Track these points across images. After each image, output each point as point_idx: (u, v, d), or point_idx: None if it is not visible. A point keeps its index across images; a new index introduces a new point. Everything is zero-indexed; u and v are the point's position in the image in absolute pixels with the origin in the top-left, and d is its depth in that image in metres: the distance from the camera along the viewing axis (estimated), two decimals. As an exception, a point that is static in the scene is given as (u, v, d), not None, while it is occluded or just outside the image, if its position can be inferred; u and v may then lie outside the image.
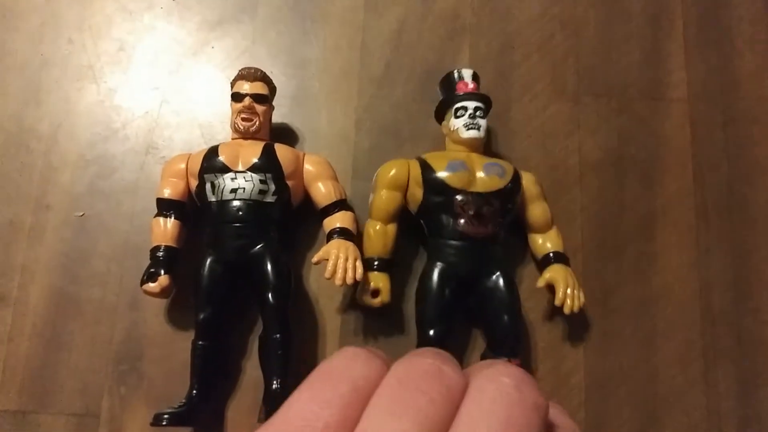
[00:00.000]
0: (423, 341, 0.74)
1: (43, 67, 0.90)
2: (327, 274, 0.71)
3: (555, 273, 0.77)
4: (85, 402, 0.78)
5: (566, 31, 0.92)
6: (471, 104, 0.79)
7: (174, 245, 0.77)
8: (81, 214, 0.84)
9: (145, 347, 0.80)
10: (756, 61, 0.91)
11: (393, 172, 0.78)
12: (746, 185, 0.87)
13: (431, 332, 0.74)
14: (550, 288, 0.77)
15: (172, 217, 0.78)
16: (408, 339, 0.80)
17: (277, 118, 0.86)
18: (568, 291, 0.75)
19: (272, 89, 0.82)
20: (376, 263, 0.77)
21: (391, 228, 0.79)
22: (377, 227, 0.78)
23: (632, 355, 0.80)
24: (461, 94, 0.80)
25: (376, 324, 0.81)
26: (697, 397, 0.79)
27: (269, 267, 0.75)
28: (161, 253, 0.76)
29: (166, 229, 0.77)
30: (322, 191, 0.79)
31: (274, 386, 0.73)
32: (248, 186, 0.76)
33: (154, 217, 0.78)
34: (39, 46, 0.91)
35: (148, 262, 0.76)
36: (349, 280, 0.71)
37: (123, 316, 0.81)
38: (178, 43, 0.91)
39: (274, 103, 0.84)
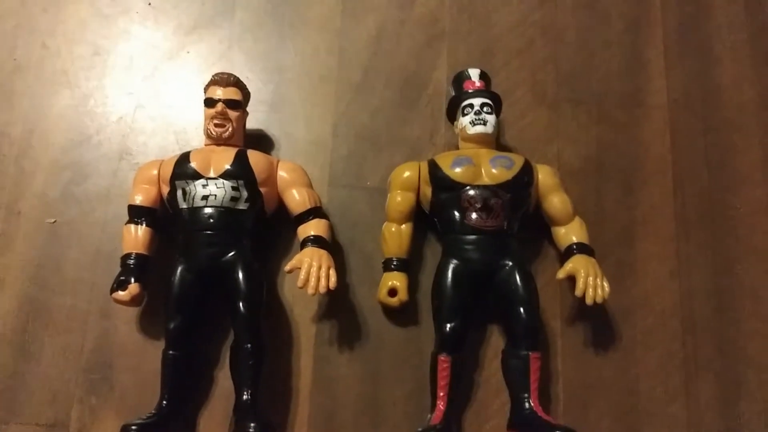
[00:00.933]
0: (440, 336, 0.74)
1: (17, 71, 0.89)
2: (299, 283, 0.70)
3: (576, 263, 0.75)
4: (54, 412, 0.77)
5: (546, 37, 0.92)
6: (477, 101, 0.80)
7: (145, 252, 0.76)
8: (53, 220, 0.83)
9: (116, 356, 0.79)
10: (737, 68, 0.91)
11: (405, 174, 0.80)
12: (727, 193, 0.86)
13: (447, 327, 0.74)
14: (572, 280, 0.75)
15: (144, 224, 0.77)
16: (421, 331, 0.79)
17: (253, 124, 0.85)
18: (590, 280, 0.73)
19: (246, 95, 0.81)
20: (393, 263, 0.78)
21: (407, 228, 0.79)
22: (392, 228, 0.79)
23: (612, 366, 0.79)
24: (468, 91, 0.81)
25: (351, 332, 0.79)
26: (678, 410, 0.78)
27: (241, 275, 0.73)
28: (132, 261, 0.75)
29: (137, 236, 0.76)
30: (297, 198, 0.78)
31: (244, 397, 0.71)
32: (220, 193, 0.74)
33: (126, 224, 0.77)
34: (12, 51, 0.90)
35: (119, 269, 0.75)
36: (322, 289, 0.70)
37: (94, 324, 0.79)
38: (154, 47, 0.90)
39: (249, 108, 0.83)
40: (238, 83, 0.80)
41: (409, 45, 0.91)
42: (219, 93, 0.78)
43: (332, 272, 0.71)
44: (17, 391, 0.77)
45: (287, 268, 0.71)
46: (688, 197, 0.85)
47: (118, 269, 0.75)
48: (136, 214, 0.77)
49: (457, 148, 0.82)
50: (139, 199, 0.77)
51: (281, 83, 0.89)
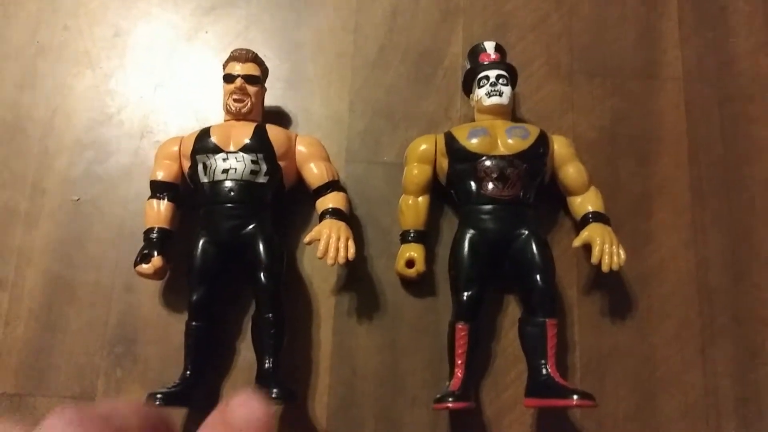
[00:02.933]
0: (457, 305, 0.75)
1: (40, 53, 0.91)
2: (319, 254, 0.71)
3: (592, 231, 0.76)
4: (80, 384, 0.78)
5: (561, 11, 0.92)
6: (493, 72, 0.80)
7: (167, 227, 0.78)
8: (77, 198, 0.85)
9: (140, 330, 0.80)
10: (751, 39, 0.91)
11: (421, 147, 0.80)
12: (742, 163, 0.86)
13: (465, 296, 0.75)
14: (588, 248, 0.76)
15: (166, 199, 0.78)
16: (439, 302, 0.80)
17: (270, 101, 0.86)
18: (606, 248, 0.74)
19: (264, 71, 0.82)
20: (411, 235, 0.79)
21: (423, 200, 0.80)
22: (410, 201, 0.80)
23: (628, 334, 0.80)
24: (483, 63, 0.81)
25: (370, 303, 0.80)
26: (694, 376, 0.79)
27: (261, 247, 0.75)
28: (154, 235, 0.77)
29: (159, 211, 0.78)
30: (315, 172, 0.79)
31: (266, 365, 0.73)
32: (239, 166, 0.76)
33: (148, 199, 0.78)
34: (35, 33, 0.92)
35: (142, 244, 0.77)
36: (341, 260, 0.71)
37: (118, 299, 0.81)
38: (173, 28, 0.92)
39: (267, 86, 0.84)
40: (256, 59, 0.81)
41: (425, 21, 0.92)
42: (238, 69, 0.79)
43: (351, 243, 0.72)
44: (44, 365, 0.79)
45: (306, 239, 0.73)
46: (704, 167, 0.86)
47: (142, 244, 0.77)
48: (158, 189, 0.78)
49: (473, 120, 0.83)
50: (161, 175, 0.78)
51: (298, 61, 0.90)
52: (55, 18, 0.92)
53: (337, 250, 0.71)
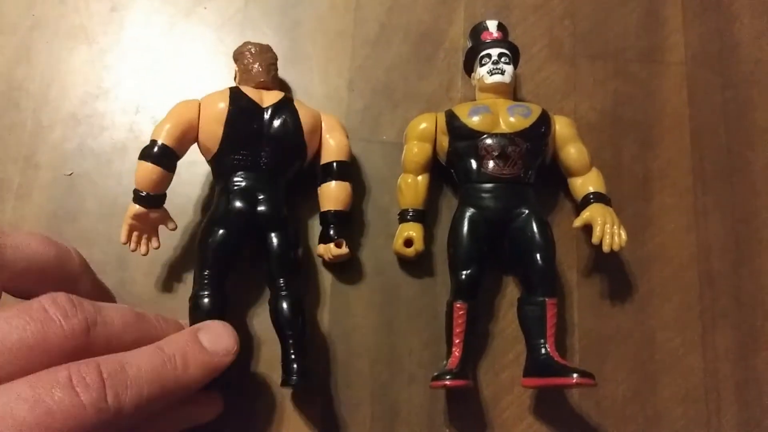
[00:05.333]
0: (456, 284, 0.74)
1: (35, 27, 0.89)
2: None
3: (593, 212, 0.75)
4: (70, 360, 0.77)
5: (563, -8, 0.91)
6: (495, 51, 0.79)
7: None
8: (70, 173, 0.83)
9: (134, 306, 0.78)
10: (755, 24, 0.90)
11: (421, 125, 0.79)
12: (745, 148, 0.85)
13: (463, 275, 0.73)
14: (589, 230, 0.75)
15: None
16: (437, 283, 0.80)
17: (269, 77, 0.85)
18: (607, 228, 0.73)
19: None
20: (409, 214, 0.78)
21: (423, 179, 0.79)
22: (409, 180, 0.79)
23: (628, 317, 0.79)
24: (486, 42, 0.80)
25: (367, 283, 0.79)
26: (694, 360, 0.78)
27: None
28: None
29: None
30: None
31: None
32: None
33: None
34: (31, 7, 0.90)
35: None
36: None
37: (111, 275, 0.79)
38: (171, 3, 0.91)
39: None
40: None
41: (426, 0, 0.91)
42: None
43: None
44: (35, 339, 0.77)
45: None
46: (706, 151, 0.85)
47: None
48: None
49: (475, 99, 0.82)
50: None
51: (297, 38, 0.89)
52: (52, -8, 0.91)
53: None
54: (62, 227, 0.81)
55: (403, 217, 0.78)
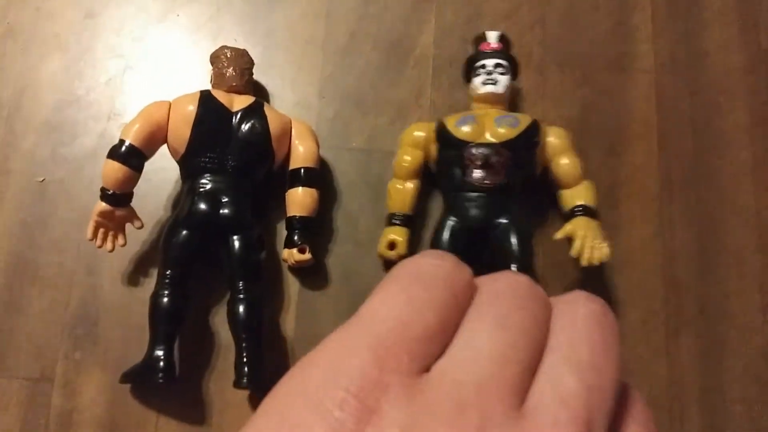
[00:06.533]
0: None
1: (9, 34, 0.90)
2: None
3: (575, 224, 0.75)
4: (40, 366, 0.78)
5: (534, 1, 0.92)
6: (490, 62, 0.80)
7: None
8: (42, 179, 0.84)
9: (102, 312, 0.79)
10: (723, 33, 0.91)
11: (415, 133, 0.80)
12: (712, 155, 0.86)
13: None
14: (570, 241, 0.75)
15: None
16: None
17: (239, 85, 0.85)
18: (587, 241, 0.73)
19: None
20: (395, 219, 0.79)
21: (411, 185, 0.80)
22: (398, 185, 0.80)
23: (593, 324, 0.79)
24: (483, 52, 0.81)
25: (334, 289, 0.80)
26: (659, 368, 0.78)
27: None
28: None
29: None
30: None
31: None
32: None
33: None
34: (6, 14, 0.91)
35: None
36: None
37: (80, 281, 0.80)
38: (144, 10, 0.91)
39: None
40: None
41: (397, 9, 0.91)
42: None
43: None
44: (3, 345, 0.78)
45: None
46: (673, 158, 0.85)
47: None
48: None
49: (465, 109, 0.82)
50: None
51: (269, 46, 0.90)
52: (27, 0, 0.91)
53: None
54: (34, 234, 0.82)
55: (389, 221, 0.79)
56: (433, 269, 0.24)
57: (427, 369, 0.21)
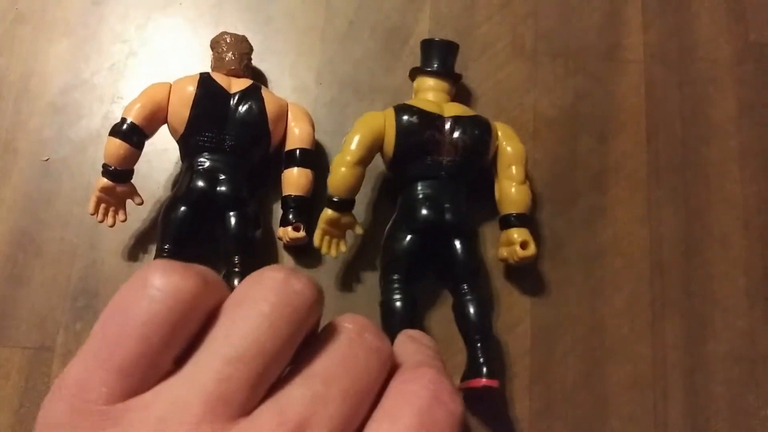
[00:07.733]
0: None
1: (18, 20, 0.93)
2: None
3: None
4: (41, 336, 0.80)
5: (528, -8, 0.94)
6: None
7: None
8: (47, 158, 0.87)
9: (102, 285, 0.82)
10: (713, 24, 0.93)
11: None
12: (700, 143, 0.88)
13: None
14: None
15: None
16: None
17: (239, 70, 0.88)
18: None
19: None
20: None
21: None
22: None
23: (580, 306, 0.81)
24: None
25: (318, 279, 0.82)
26: (643, 347, 0.80)
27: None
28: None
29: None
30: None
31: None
32: None
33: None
34: (15, 1, 0.94)
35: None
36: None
37: (82, 256, 0.83)
38: (149, -2, 0.94)
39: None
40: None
41: (393, -1, 0.94)
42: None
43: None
44: (6, 316, 0.81)
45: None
46: (662, 146, 0.87)
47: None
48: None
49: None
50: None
51: (269, 33, 0.92)
52: (36, -14, 0.95)
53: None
54: (38, 210, 0.84)
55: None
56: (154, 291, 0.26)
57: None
